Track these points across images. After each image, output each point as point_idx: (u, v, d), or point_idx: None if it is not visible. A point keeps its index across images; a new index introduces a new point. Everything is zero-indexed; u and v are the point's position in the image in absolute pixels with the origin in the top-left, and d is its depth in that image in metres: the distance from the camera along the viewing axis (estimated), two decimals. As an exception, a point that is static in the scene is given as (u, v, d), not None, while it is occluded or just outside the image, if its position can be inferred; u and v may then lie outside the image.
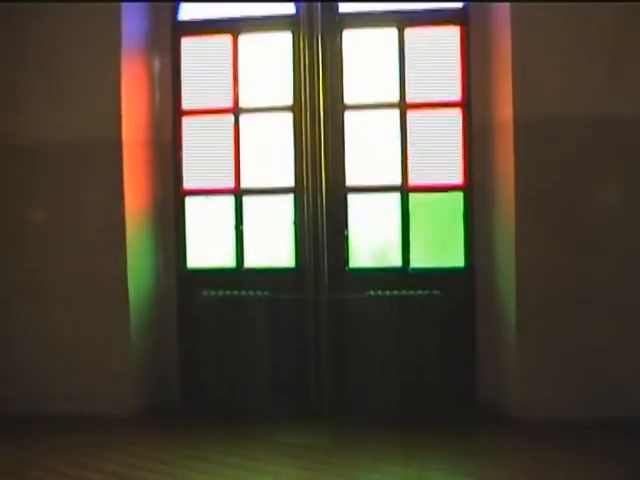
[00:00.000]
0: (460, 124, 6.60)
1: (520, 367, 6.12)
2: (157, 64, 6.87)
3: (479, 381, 6.54)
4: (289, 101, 6.75)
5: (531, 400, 6.07)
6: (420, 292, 6.38)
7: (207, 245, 6.95)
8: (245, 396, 6.53)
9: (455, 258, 6.64)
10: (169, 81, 6.87)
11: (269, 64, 6.83)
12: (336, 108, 6.69)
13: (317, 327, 6.59)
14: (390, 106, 6.68)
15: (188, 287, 6.79)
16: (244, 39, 6.81)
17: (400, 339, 6.35)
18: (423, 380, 6.36)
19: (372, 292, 6.42)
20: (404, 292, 6.40)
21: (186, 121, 6.89)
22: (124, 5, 6.38)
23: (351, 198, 6.73)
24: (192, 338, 6.69)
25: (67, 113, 6.40)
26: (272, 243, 6.93)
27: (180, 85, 6.89)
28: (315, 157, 6.61)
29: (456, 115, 6.61)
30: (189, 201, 6.91)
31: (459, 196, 6.61)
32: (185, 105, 6.89)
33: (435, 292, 6.36)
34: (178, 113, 6.89)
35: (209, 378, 6.56)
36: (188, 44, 6.90)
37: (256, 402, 6.51)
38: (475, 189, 6.54)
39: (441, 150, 6.61)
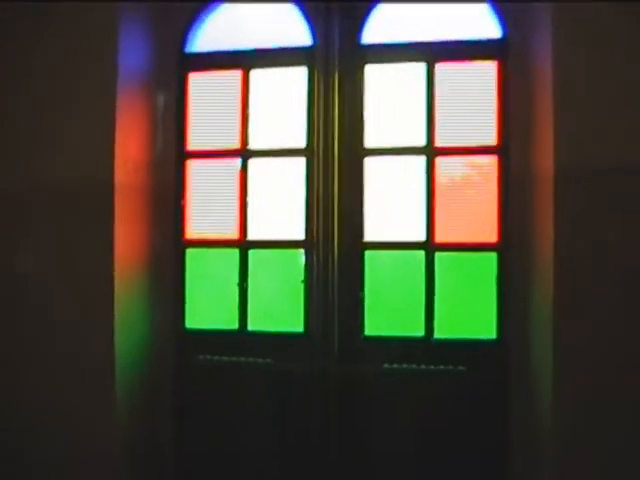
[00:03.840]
0: (495, 172, 5.71)
1: (557, 452, 5.09)
2: (160, 101, 6.21)
3: (511, 467, 5.61)
4: (302, 144, 5.98)
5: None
6: (443, 367, 5.54)
7: (208, 303, 6.20)
8: (245, 476, 5.84)
9: (486, 328, 5.71)
10: (173, 120, 6.21)
11: (282, 102, 6.07)
12: (355, 152, 5.87)
13: (325, 400, 5.78)
14: (416, 151, 5.82)
15: (186, 350, 6.08)
16: (256, 74, 6.09)
17: (420, 420, 5.57)
18: (447, 468, 5.56)
19: (387, 364, 5.61)
20: (424, 367, 5.58)
21: (191, 164, 6.19)
22: (123, 33, 5.70)
23: (369, 255, 5.88)
24: (188, 408, 6.00)
25: (55, 152, 5.65)
26: (280, 303, 6.12)
27: (185, 125, 6.22)
28: (328, 207, 5.81)
29: (491, 162, 5.73)
30: (190, 253, 6.18)
31: (492, 256, 5.70)
32: (190, 147, 6.21)
33: (460, 368, 5.52)
34: (182, 156, 6.20)
35: (205, 452, 5.91)
36: (196, 80, 6.22)
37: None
38: (511, 248, 5.63)
39: (473, 202, 5.75)
